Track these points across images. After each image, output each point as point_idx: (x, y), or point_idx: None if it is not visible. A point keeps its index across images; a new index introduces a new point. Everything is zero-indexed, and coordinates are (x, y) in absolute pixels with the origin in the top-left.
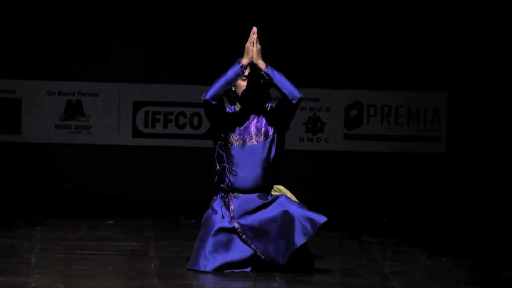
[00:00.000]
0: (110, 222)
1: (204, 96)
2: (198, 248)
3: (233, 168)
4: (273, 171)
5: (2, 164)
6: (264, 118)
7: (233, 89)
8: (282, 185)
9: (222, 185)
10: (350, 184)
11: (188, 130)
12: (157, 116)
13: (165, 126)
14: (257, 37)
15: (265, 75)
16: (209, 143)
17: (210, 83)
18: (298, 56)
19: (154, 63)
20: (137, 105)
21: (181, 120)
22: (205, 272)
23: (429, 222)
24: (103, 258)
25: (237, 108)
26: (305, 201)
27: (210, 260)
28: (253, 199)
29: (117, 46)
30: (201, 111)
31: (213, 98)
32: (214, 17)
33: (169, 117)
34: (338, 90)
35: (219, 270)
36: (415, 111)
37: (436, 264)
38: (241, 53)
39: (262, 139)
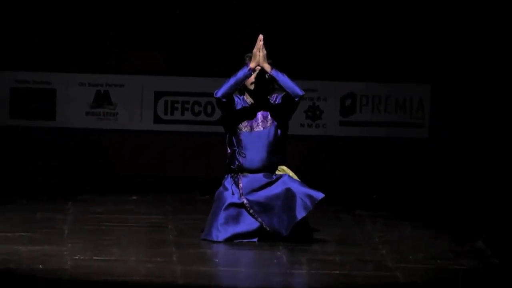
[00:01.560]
0: (134, 197)
1: (216, 94)
2: (211, 221)
3: (242, 151)
4: (277, 153)
5: (39, 146)
6: (270, 108)
7: None
8: (285, 166)
9: (232, 166)
10: (345, 165)
11: (202, 117)
12: (175, 105)
13: (182, 114)
14: (263, 43)
15: (270, 77)
16: (221, 129)
17: (220, 74)
18: (300, 52)
19: (173, 59)
20: (158, 95)
21: (197, 108)
22: (217, 242)
23: (414, 198)
24: (127, 229)
25: (245, 98)
26: (305, 179)
27: (221, 231)
28: (260, 178)
29: (141, 45)
30: (214, 100)
31: (223, 96)
32: (221, 17)
33: (186, 105)
34: (334, 82)
35: (230, 240)
36: (402, 100)
37: (420, 235)
38: (248, 50)
39: (267, 125)
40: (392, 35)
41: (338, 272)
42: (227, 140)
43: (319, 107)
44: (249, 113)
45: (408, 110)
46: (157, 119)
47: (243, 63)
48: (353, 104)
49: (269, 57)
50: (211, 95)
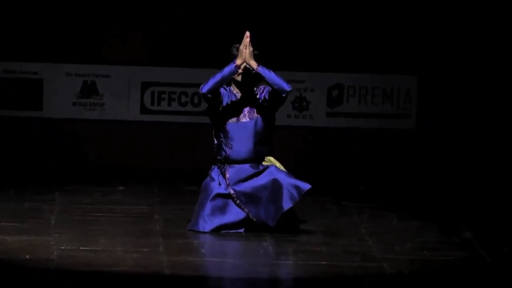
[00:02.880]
0: (121, 188)
1: (202, 90)
2: (198, 212)
3: (228, 142)
4: (264, 144)
5: (25, 136)
6: (257, 100)
7: None
8: (272, 157)
9: (219, 157)
10: (332, 155)
11: (189, 107)
12: (162, 95)
13: (169, 104)
14: (250, 40)
15: (257, 73)
16: (208, 119)
17: (208, 65)
18: (288, 44)
19: (160, 49)
20: (145, 86)
21: (183, 99)
22: (204, 233)
23: (401, 189)
24: (114, 219)
25: (232, 89)
26: (292, 170)
27: (208, 222)
28: (246, 169)
29: (128, 35)
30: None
31: (209, 92)
32: (213, 12)
33: (173, 96)
34: (321, 73)
35: (216, 231)
36: (389, 91)
37: (407, 226)
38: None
39: (254, 116)
40: (379, 26)
41: (325, 263)
42: (213, 131)
43: (306, 98)
44: (235, 104)
45: (395, 101)
46: (143, 110)
47: (231, 55)
48: (340, 95)
49: (256, 48)
50: (198, 85)
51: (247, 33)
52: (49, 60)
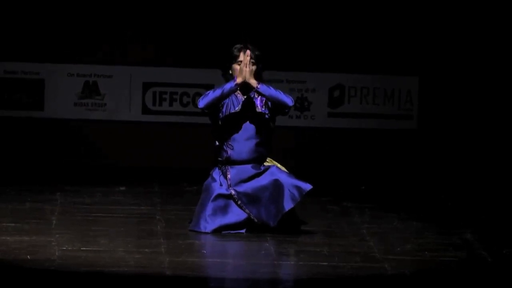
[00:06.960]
0: (122, 188)
1: (199, 105)
2: (199, 212)
3: (230, 143)
4: (265, 145)
5: (27, 137)
6: (258, 101)
7: (230, 72)
8: (273, 157)
9: (220, 158)
10: (333, 156)
11: (190, 108)
12: (163, 96)
13: (170, 104)
14: (250, 59)
15: (257, 92)
16: (209, 120)
17: (209, 65)
18: (289, 44)
19: (161, 49)
20: (146, 86)
21: (185, 99)
22: (205, 233)
23: (402, 190)
24: (116, 220)
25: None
26: (293, 171)
27: (209, 223)
28: (248, 169)
29: (129, 35)
30: (202, 91)
31: (207, 107)
32: (211, 12)
33: (174, 96)
34: (323, 73)
35: (217, 231)
36: (390, 92)
37: (407, 227)
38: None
39: (255, 117)
40: (381, 27)
41: (325, 263)
42: (214, 132)
43: (308, 98)
44: (237, 106)
45: (397, 101)
46: (145, 110)
47: (232, 56)
48: (342, 95)
49: (258, 49)
50: (200, 86)
51: (248, 52)
52: (51, 60)
